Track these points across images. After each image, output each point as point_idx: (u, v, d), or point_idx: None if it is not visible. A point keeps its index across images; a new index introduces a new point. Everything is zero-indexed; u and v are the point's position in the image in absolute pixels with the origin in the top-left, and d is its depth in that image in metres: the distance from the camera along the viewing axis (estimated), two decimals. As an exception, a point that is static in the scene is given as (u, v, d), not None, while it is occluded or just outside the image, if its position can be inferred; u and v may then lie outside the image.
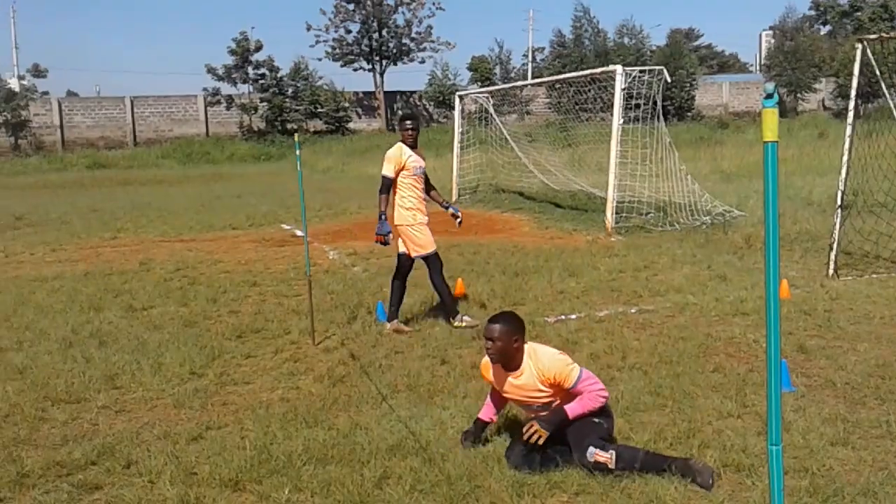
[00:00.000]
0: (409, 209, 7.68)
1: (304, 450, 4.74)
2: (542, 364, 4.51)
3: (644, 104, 13.66)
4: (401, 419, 5.16)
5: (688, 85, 52.09)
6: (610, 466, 4.28)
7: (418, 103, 53.61)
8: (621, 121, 13.16)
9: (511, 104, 48.56)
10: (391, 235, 7.64)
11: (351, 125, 50.84)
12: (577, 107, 18.83)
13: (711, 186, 15.92)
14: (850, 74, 9.30)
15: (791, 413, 5.11)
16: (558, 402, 4.54)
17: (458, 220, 8.12)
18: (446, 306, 7.75)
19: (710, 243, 11.59)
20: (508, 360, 4.58)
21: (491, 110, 19.47)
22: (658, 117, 13.77)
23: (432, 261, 7.74)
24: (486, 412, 4.87)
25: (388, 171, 7.61)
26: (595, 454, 4.31)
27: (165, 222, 16.18)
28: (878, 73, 9.18)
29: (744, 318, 7.54)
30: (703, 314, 7.75)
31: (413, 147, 7.71)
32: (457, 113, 19.63)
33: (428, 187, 7.95)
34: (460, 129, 19.23)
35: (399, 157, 7.59)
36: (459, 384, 5.90)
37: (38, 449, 4.98)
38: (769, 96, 1.94)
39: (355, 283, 9.67)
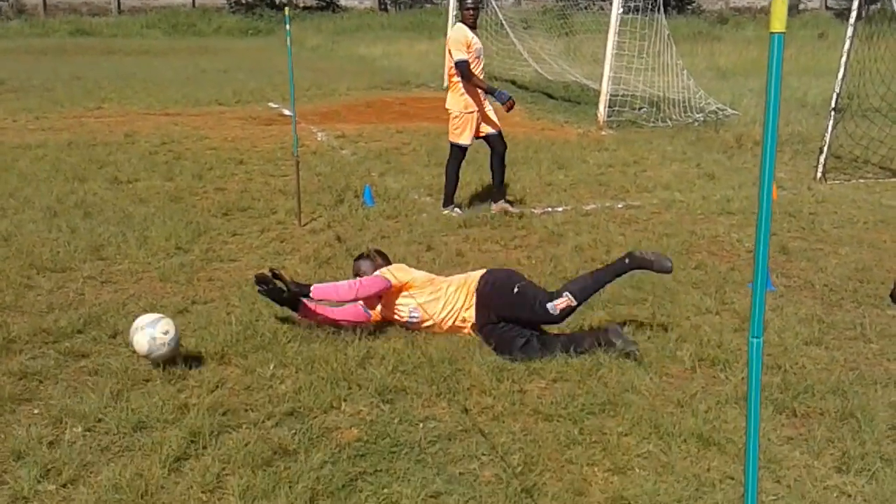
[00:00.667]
0: (461, 94, 7.38)
1: (288, 328, 4.80)
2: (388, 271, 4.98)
3: (645, -6, 13.30)
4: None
5: (690, -24, 50.64)
6: (573, 305, 4.56)
7: (412, -18, 51.94)
8: (620, 10, 12.83)
9: (508, -12, 47.19)
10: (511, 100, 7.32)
11: (342, 2, 49.39)
12: (575, -7, 18.33)
13: (707, 83, 15.69)
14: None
15: (769, 312, 5.21)
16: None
17: (509, 107, 7.42)
18: (445, 193, 7.70)
19: (701, 141, 11.53)
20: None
21: (487, -7, 18.91)
22: (658, 8, 13.43)
23: (456, 152, 7.58)
24: (315, 295, 4.81)
25: (461, 54, 7.22)
26: (556, 304, 4.53)
27: (150, 94, 15.84)
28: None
29: (729, 217, 7.58)
30: (689, 212, 7.78)
31: (473, 28, 7.41)
32: (452, -6, 19.06)
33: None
34: (454, 12, 18.69)
35: (466, 38, 7.24)
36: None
37: (24, 315, 5.03)
38: (779, -14, 1.89)
39: (343, 166, 9.59)
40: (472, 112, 7.41)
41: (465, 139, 7.48)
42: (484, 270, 4.97)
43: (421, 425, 3.82)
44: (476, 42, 7.37)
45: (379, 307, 4.91)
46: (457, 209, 7.60)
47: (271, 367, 4.32)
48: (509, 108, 7.36)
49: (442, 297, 4.79)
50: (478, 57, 7.39)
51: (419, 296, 4.80)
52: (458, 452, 3.60)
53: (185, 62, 23.58)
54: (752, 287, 1.92)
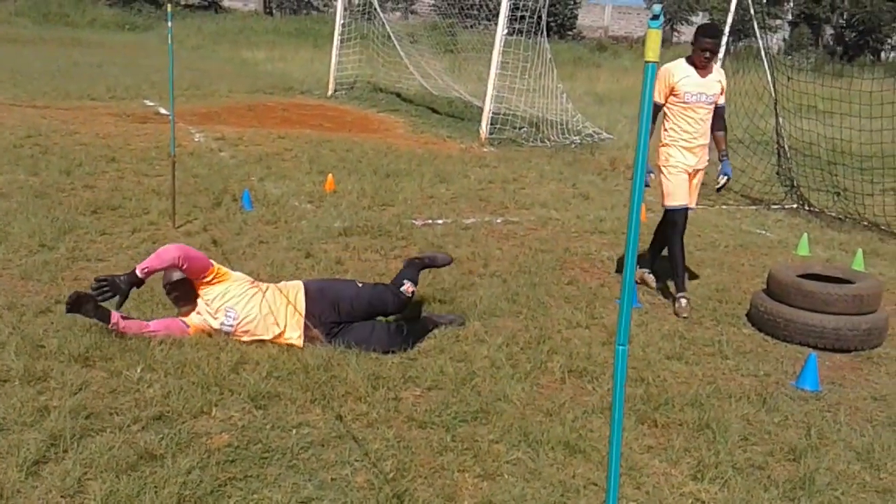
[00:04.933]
0: (662, 145, 6.18)
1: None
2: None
3: (529, 17, 13.66)
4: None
5: (571, 3, 52.34)
6: (414, 289, 5.12)
7: (299, -12, 51.48)
8: (505, 31, 13.14)
9: (395, 1, 47.46)
10: (651, 176, 6.17)
11: (225, 3, 48.43)
12: (462, 12, 18.62)
13: (584, 107, 16.25)
14: (726, 10, 9.60)
15: (634, 328, 5.43)
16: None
17: (721, 185, 6.39)
18: (675, 277, 6.14)
19: (577, 162, 11.92)
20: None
21: (375, 4, 18.97)
22: (542, 32, 13.83)
23: (672, 220, 6.21)
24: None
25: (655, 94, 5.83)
26: (406, 289, 5.04)
27: (17, 85, 15.08)
28: (752, 10, 9.52)
29: (601, 237, 7.86)
30: (564, 230, 8.03)
31: (699, 68, 5.89)
32: (339, 3, 19.01)
33: (720, 124, 6.19)
34: (342, 21, 18.67)
35: (671, 78, 5.91)
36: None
37: None
38: (655, 17, 2.00)
39: (221, 169, 9.40)
40: (677, 166, 6.09)
41: (677, 199, 6.16)
42: (303, 280, 5.07)
43: (294, 431, 3.79)
44: (689, 86, 5.90)
45: (194, 316, 4.72)
46: (683, 299, 5.94)
47: (139, 371, 4.19)
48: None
49: (260, 297, 4.70)
50: (685, 102, 5.93)
51: (234, 289, 4.70)
52: (331, 458, 3.58)
53: (55, 53, 22.57)
54: (619, 302, 2.03)
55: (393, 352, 4.69)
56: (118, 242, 6.45)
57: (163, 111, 13.54)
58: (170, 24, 7.09)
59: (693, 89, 5.88)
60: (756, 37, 10.50)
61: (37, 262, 5.73)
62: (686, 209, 6.18)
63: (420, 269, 5.37)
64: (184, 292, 4.69)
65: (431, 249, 6.72)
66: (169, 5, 7.54)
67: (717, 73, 6.03)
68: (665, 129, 6.10)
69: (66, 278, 5.54)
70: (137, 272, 4.55)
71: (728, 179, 6.35)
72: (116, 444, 3.48)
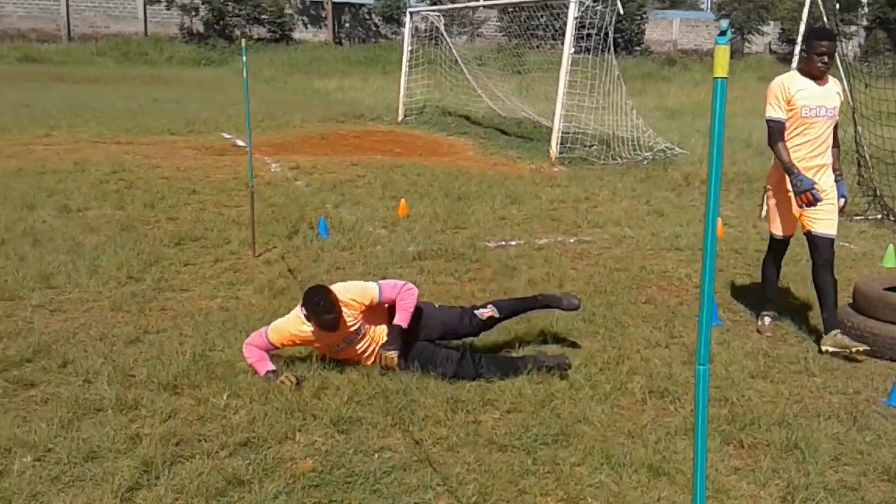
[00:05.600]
0: (775, 166, 5.63)
1: (242, 359, 4.77)
2: (347, 298, 4.59)
3: (595, 35, 13.62)
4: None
5: (638, 18, 51.91)
6: (497, 316, 4.98)
7: (367, 17, 52.34)
8: (572, 50, 13.13)
9: (462, 25, 47.77)
10: (815, 188, 5.24)
11: (296, 35, 49.51)
12: (528, 33, 18.67)
13: (655, 123, 16.09)
14: (798, 20, 9.41)
15: (716, 346, 5.34)
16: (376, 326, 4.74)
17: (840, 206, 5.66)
18: (764, 296, 5.90)
19: (650, 179, 11.79)
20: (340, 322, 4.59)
21: (442, 29, 19.18)
22: (609, 49, 13.77)
23: (773, 246, 5.84)
24: (267, 364, 4.61)
25: (772, 110, 5.47)
26: (481, 312, 4.88)
27: (101, 123, 15.69)
28: (825, 19, 9.31)
29: (677, 254, 7.75)
30: (639, 247, 7.94)
31: (816, 78, 5.36)
32: (407, 30, 19.29)
33: (834, 140, 5.60)
34: (409, 48, 18.93)
35: (788, 91, 5.39)
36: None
37: (-30, 344, 4.93)
38: (722, 33, 1.99)
39: (297, 198, 9.60)
40: (787, 189, 5.47)
41: (777, 228, 5.75)
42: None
43: (376, 456, 3.83)
44: (807, 99, 5.34)
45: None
46: (767, 317, 5.80)
47: (225, 398, 4.30)
48: (805, 203, 5.25)
49: (373, 319, 4.76)
50: (804, 116, 5.36)
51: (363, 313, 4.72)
52: (413, 483, 3.61)
53: (136, 91, 23.41)
54: (698, 320, 2.01)
55: (459, 379, 4.61)
56: (201, 272, 6.64)
57: (240, 143, 13.92)
58: (244, 58, 7.31)
59: (811, 102, 5.33)
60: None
61: (125, 294, 5.94)
62: (787, 239, 5.76)
63: (531, 307, 5.20)
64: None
65: (502, 269, 6.72)
66: (243, 40, 7.78)
67: (834, 84, 5.49)
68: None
69: (153, 308, 5.74)
70: (403, 325, 4.62)
71: (846, 202, 5.75)
72: (206, 470, 3.58)
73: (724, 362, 5.08)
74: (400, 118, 18.33)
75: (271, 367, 4.59)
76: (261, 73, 29.54)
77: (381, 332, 4.75)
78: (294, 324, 4.62)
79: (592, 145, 13.78)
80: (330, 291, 4.54)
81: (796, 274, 7.20)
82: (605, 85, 13.86)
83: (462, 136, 16.25)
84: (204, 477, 3.52)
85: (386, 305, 4.76)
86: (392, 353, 4.55)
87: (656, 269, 7.17)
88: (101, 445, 3.77)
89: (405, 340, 4.68)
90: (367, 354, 4.76)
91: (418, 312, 4.79)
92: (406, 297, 4.67)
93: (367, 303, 4.64)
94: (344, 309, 4.55)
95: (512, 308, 5.15)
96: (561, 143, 13.28)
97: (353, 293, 4.63)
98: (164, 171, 11.00)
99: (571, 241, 8.15)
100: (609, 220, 9.06)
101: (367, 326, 4.71)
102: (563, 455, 3.87)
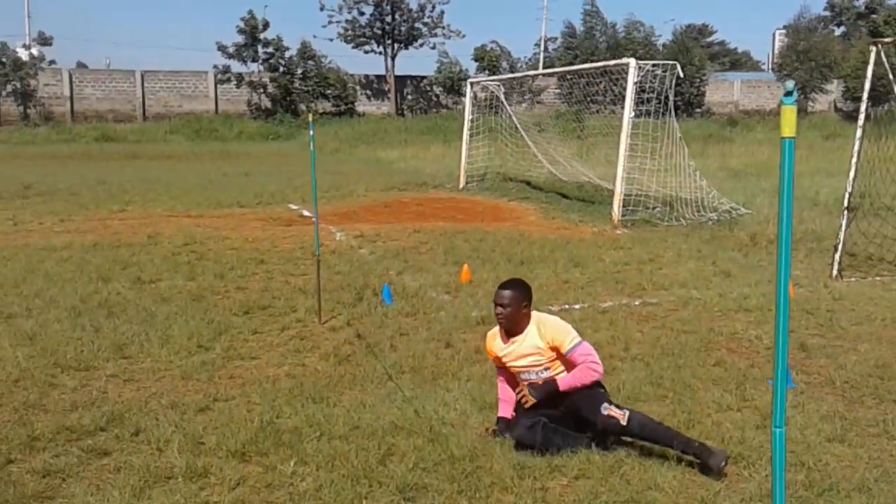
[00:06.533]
0: None
1: (309, 425, 4.81)
2: (545, 327, 4.69)
3: (655, 98, 13.68)
4: (406, 399, 5.24)
5: (697, 80, 51.94)
6: (622, 423, 4.42)
7: (428, 89, 53.49)
8: (632, 114, 13.19)
9: (521, 93, 48.41)
10: None
11: (359, 108, 50.81)
12: (587, 98, 18.83)
13: (719, 183, 15.95)
14: (862, 77, 9.32)
15: (790, 409, 5.17)
16: (554, 374, 4.67)
17: None
18: None
19: (716, 239, 11.64)
20: (515, 325, 4.73)
21: (502, 98, 19.48)
22: (669, 112, 13.79)
23: None
24: (505, 409, 4.86)
25: None
26: (609, 409, 4.47)
27: (173, 197, 16.24)
28: (890, 76, 9.20)
29: (746, 315, 7.59)
30: (707, 309, 7.81)
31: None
32: (468, 100, 19.66)
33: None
34: (470, 117, 19.26)
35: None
36: (463, 367, 5.97)
37: (47, 413, 5.07)
38: (788, 93, 2.00)
39: (362, 265, 9.74)
40: None
41: None
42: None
43: (442, 523, 3.79)
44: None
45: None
46: None
47: (292, 465, 4.32)
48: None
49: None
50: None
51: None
52: (481, 551, 3.56)
53: (207, 166, 24.20)
54: (772, 383, 1.97)
55: (526, 447, 4.51)
56: (269, 340, 6.75)
57: (306, 213, 14.22)
58: (311, 132, 7.52)
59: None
60: (897, 100, 10.12)
61: (195, 363, 6.07)
62: None
63: (668, 443, 4.39)
64: None
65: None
66: (310, 115, 8.03)
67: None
68: None
69: (222, 376, 5.84)
70: (560, 386, 4.58)
71: None
72: (274, 538, 3.59)
73: (800, 426, 4.92)
74: (461, 185, 18.55)
75: (503, 413, 4.78)
76: (326, 146, 30.32)
77: (550, 371, 4.70)
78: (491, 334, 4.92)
79: (655, 207, 13.71)
80: (524, 285, 4.80)
81: (871, 333, 6.98)
82: (667, 147, 13.84)
83: (523, 201, 16.34)
84: (272, 544, 3.53)
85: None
86: (531, 399, 4.58)
87: (725, 331, 7.02)
88: (171, 513, 3.82)
89: (552, 400, 4.61)
90: (525, 368, 4.73)
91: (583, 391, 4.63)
92: (587, 370, 4.56)
93: (554, 338, 4.62)
94: (532, 328, 4.68)
95: (645, 425, 4.44)
96: (623, 206, 13.25)
97: (552, 327, 4.69)
98: (233, 243, 11.28)
99: (636, 303, 8.06)
100: (675, 282, 8.94)
101: (547, 355, 4.69)
102: (634, 522, 3.78)
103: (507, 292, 4.71)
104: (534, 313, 4.80)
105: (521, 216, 14.51)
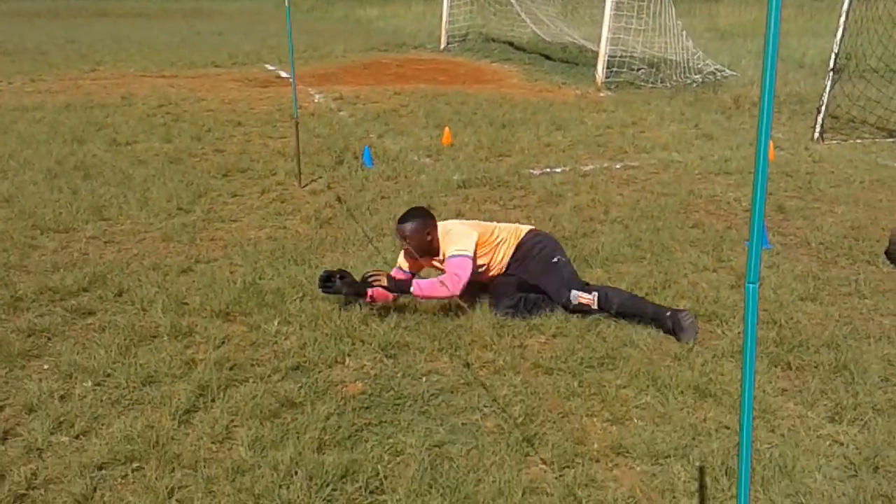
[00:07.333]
0: None
1: (291, 286, 4.86)
2: (445, 240, 4.61)
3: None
4: (386, 261, 5.28)
5: (688, -64, 50.11)
6: (592, 307, 4.48)
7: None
8: (619, -30, 12.76)
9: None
10: None
11: (337, -37, 48.77)
12: (573, -47, 18.16)
13: (705, 45, 15.65)
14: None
15: (765, 269, 5.28)
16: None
17: None
18: None
19: (699, 102, 11.53)
20: (425, 252, 4.65)
21: (485, -47, 18.75)
22: (657, -32, 13.35)
23: None
24: (397, 272, 4.72)
25: None
26: (578, 296, 4.51)
27: (145, 57, 15.76)
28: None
29: (726, 178, 7.62)
30: (687, 172, 7.82)
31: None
32: (449, -46, 18.88)
33: None
34: (452, -26, 18.56)
35: None
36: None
37: (29, 275, 5.08)
38: (780, -56, 1.91)
39: (342, 128, 9.60)
40: None
41: None
42: (532, 227, 4.93)
43: (424, 379, 3.90)
44: None
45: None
46: None
47: (276, 324, 4.39)
48: None
49: (492, 252, 4.73)
50: None
51: (480, 256, 4.71)
52: (461, 404, 3.68)
53: (179, 24, 23.40)
54: (748, 244, 1.98)
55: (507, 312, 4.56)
56: (249, 203, 6.72)
57: (283, 74, 13.90)
58: (286, -13, 7.23)
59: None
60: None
61: (176, 225, 6.05)
62: None
63: (640, 314, 4.46)
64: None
65: (547, 196, 6.68)
66: (284, -31, 7.69)
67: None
68: None
69: (203, 239, 5.84)
70: (413, 291, 4.41)
71: None
72: (259, 394, 3.68)
73: (774, 285, 5.03)
74: (443, 46, 18.09)
75: (394, 273, 4.68)
76: (302, 3, 29.30)
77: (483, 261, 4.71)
78: None
79: (640, 69, 13.49)
80: (422, 212, 4.67)
81: (848, 196, 7.05)
82: (654, 6, 13.47)
83: (506, 62, 16.01)
84: (258, 399, 3.63)
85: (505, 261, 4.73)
86: (383, 283, 4.45)
87: (704, 194, 7.06)
88: (157, 370, 3.89)
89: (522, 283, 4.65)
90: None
91: (538, 256, 4.71)
92: (440, 283, 4.39)
93: (446, 249, 4.59)
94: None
95: (612, 303, 4.47)
96: (607, 68, 13.02)
97: (451, 234, 4.62)
98: (209, 104, 11.05)
99: (618, 166, 8.05)
100: (656, 145, 8.91)
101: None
102: (609, 377, 3.90)
103: (405, 227, 4.57)
104: (441, 226, 4.67)
105: (503, 78, 14.24)
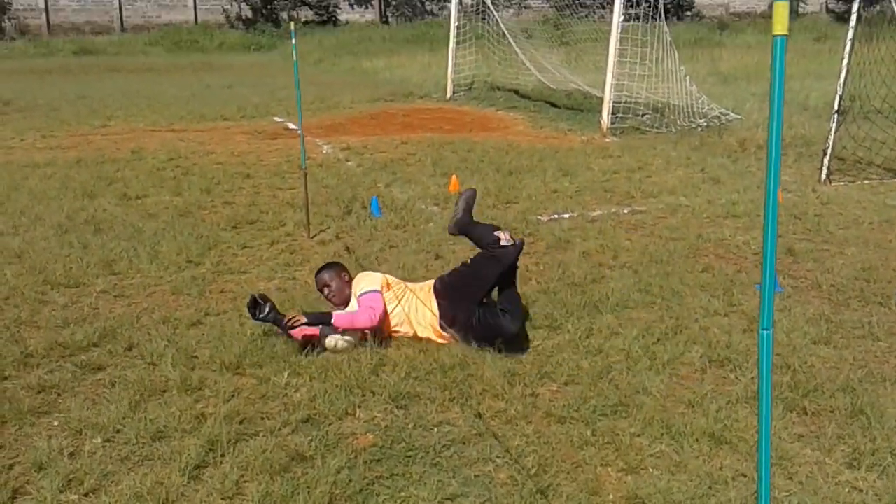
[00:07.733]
0: None
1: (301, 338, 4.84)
2: (355, 288, 4.90)
3: (644, 1, 13.37)
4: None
5: (689, -17, 50.79)
6: (506, 236, 5.00)
7: (413, -5, 52.11)
8: (621, 18, 12.92)
9: (508, -1, 47.37)
10: None
11: (342, 16, 49.59)
12: (575, 2, 18.39)
13: (709, 88, 15.77)
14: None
15: (777, 313, 5.24)
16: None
17: None
18: None
19: (705, 146, 11.58)
20: (345, 299, 4.94)
21: (488, 3, 19.01)
22: (659, 16, 13.50)
23: None
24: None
25: None
26: (498, 236, 4.99)
27: (155, 111, 15.95)
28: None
29: (735, 221, 7.62)
30: (695, 216, 7.82)
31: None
32: (453, 5, 19.15)
33: None
34: (456, 23, 18.81)
35: None
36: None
37: (39, 330, 5.09)
38: (781, -9, 1.93)
39: (350, 178, 9.66)
40: None
41: None
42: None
43: (435, 430, 3.87)
44: None
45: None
46: None
47: (286, 376, 4.37)
48: None
49: (402, 296, 4.91)
50: None
51: (389, 300, 4.89)
52: (473, 456, 3.64)
53: (188, 79, 23.72)
54: (759, 288, 1.97)
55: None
56: (258, 255, 6.74)
57: (291, 126, 14.03)
58: (293, 41, 7.34)
59: None
60: (890, 0, 9.92)
61: (185, 278, 6.06)
62: None
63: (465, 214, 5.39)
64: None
65: (555, 242, 6.70)
66: (292, 23, 7.81)
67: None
68: None
69: (213, 291, 5.85)
70: (333, 322, 4.65)
71: None
72: (269, 447, 3.65)
73: (786, 329, 5.00)
74: (449, 95, 18.28)
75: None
76: (309, 56, 29.67)
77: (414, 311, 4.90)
78: None
79: (645, 114, 13.57)
80: (334, 263, 5.27)
81: (858, 237, 7.03)
82: (657, 52, 13.60)
83: (511, 110, 16.14)
84: (268, 454, 3.60)
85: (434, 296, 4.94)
86: (301, 319, 4.62)
87: (713, 238, 7.06)
88: (167, 425, 3.87)
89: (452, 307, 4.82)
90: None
91: (454, 276, 5.07)
92: (357, 316, 4.67)
93: (355, 289, 4.88)
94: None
95: (482, 227, 5.31)
96: (612, 114, 13.11)
97: (358, 277, 4.99)
98: (218, 157, 11.15)
99: (625, 211, 8.06)
100: (663, 190, 8.93)
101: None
102: (623, 426, 3.86)
103: (323, 275, 5.03)
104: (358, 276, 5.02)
105: (509, 125, 14.36)
